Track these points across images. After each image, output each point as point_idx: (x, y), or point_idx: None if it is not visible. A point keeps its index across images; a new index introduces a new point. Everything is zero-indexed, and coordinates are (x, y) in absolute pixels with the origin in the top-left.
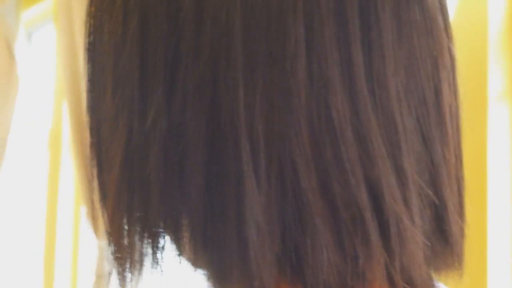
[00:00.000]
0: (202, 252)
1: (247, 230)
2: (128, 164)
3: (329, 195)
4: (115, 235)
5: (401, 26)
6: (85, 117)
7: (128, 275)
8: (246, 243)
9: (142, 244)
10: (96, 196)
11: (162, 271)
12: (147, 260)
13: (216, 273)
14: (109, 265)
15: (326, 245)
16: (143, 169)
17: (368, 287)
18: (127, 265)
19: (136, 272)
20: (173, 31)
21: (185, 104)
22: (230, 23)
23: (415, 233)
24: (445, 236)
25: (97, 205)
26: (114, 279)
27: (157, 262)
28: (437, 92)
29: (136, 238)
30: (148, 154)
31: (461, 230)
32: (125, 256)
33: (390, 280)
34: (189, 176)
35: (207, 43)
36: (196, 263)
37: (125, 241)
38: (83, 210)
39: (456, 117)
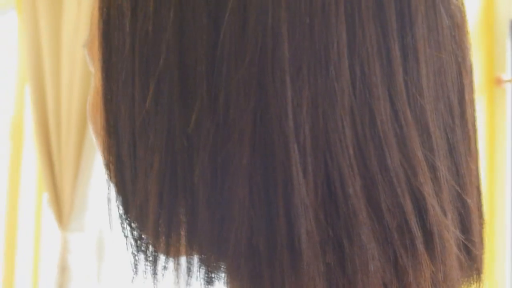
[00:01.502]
0: (242, 263)
1: (299, 237)
2: (169, 167)
3: (374, 203)
4: (156, 242)
5: (431, 31)
6: (49, 103)
7: (158, 276)
8: (298, 253)
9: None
10: (59, 183)
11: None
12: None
13: (257, 283)
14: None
15: (372, 255)
16: (188, 172)
17: None
18: (151, 265)
19: (156, 271)
20: (213, 27)
21: (229, 104)
22: (276, 25)
23: (451, 241)
24: (469, 247)
25: (65, 195)
26: (77, 272)
27: (190, 274)
28: (461, 100)
29: (178, 244)
30: (193, 156)
31: (482, 241)
32: (158, 265)
33: None
34: (234, 181)
35: (252, 41)
36: (233, 283)
37: (164, 245)
38: (46, 197)
39: (475, 126)
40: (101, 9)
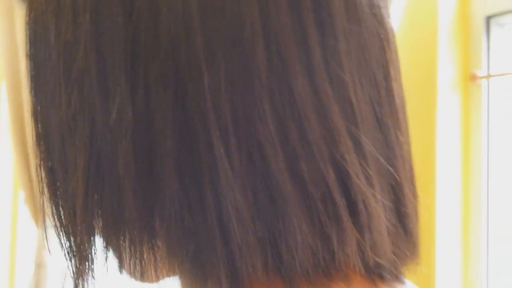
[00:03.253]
0: (178, 248)
1: (227, 215)
2: (94, 163)
3: (298, 176)
4: (83, 242)
5: (348, 7)
6: (24, 101)
7: (88, 278)
8: (228, 228)
9: (110, 245)
10: (36, 183)
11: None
12: (112, 263)
13: (198, 270)
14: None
15: (299, 226)
16: (112, 166)
17: (342, 268)
18: (88, 269)
19: (93, 275)
20: (128, 23)
21: (149, 95)
22: (187, 9)
23: (379, 210)
24: (403, 219)
25: (40, 196)
26: (53, 269)
27: (121, 266)
28: (386, 75)
29: (107, 239)
30: (116, 149)
31: (416, 215)
32: (90, 264)
33: (362, 259)
34: (160, 167)
35: (165, 31)
36: (170, 269)
37: (92, 247)
38: (22, 195)
39: (403, 101)
40: (28, 28)
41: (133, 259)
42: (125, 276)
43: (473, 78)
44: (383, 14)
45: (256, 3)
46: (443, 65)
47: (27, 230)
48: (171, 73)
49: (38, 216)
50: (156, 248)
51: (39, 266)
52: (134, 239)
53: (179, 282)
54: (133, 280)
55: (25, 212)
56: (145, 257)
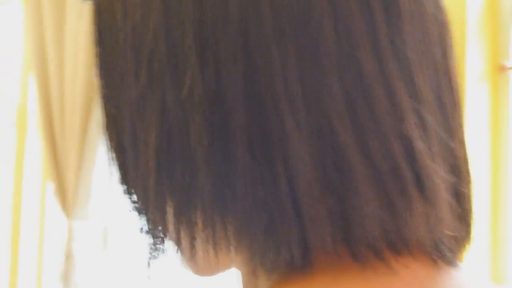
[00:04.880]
0: (250, 220)
1: (299, 187)
2: (165, 139)
3: (366, 149)
4: (157, 219)
5: None
6: (52, 92)
7: (162, 252)
8: (300, 199)
9: (185, 220)
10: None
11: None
12: (186, 240)
13: (270, 242)
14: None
15: (368, 198)
16: (184, 140)
17: (409, 243)
18: (160, 246)
19: (165, 252)
20: (198, 3)
21: (219, 71)
22: None
23: (443, 185)
24: (460, 199)
25: (69, 183)
26: (82, 259)
27: (194, 241)
28: (445, 59)
29: (179, 219)
30: (189, 123)
31: (472, 196)
32: (164, 233)
33: (429, 234)
34: (233, 141)
35: (235, 8)
36: (232, 253)
37: (168, 223)
38: (51, 187)
39: (458, 86)
40: (94, 15)
41: (205, 240)
42: (183, 269)
43: (502, 68)
44: (439, 2)
45: None
46: (471, 56)
47: (56, 221)
48: (241, 49)
49: (67, 207)
50: (227, 225)
51: (68, 257)
52: (207, 215)
53: (239, 272)
54: (189, 272)
55: (54, 203)
56: (217, 235)
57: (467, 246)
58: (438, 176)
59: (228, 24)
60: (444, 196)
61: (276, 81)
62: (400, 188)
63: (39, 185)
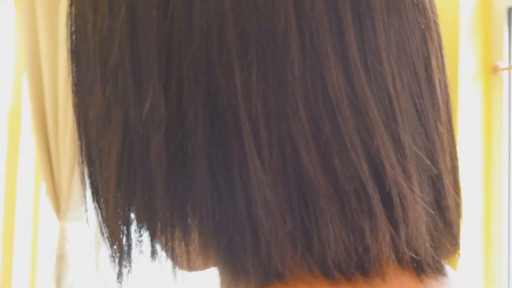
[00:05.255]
0: (210, 241)
1: (256, 209)
2: (126, 156)
3: (331, 170)
4: (115, 231)
5: None
6: (45, 94)
7: (125, 271)
8: (257, 221)
9: (141, 239)
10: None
11: (160, 266)
12: (146, 256)
13: (228, 262)
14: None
15: (331, 220)
16: (144, 159)
17: (376, 261)
18: (125, 261)
19: (130, 267)
20: (163, 17)
21: (181, 89)
22: (220, 3)
23: (416, 204)
24: (443, 212)
25: (62, 184)
26: (74, 260)
27: (155, 257)
28: (427, 67)
29: (137, 232)
30: (149, 143)
31: (458, 207)
32: (124, 253)
33: (397, 253)
34: (192, 160)
35: (199, 26)
36: (204, 261)
37: (124, 236)
38: (43, 187)
39: (445, 92)
40: (68, 21)
41: (165, 250)
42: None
43: (495, 69)
44: (425, 3)
45: None
46: (464, 56)
47: (49, 222)
48: (204, 67)
49: (60, 208)
50: (188, 240)
51: (61, 258)
52: (166, 232)
53: (217, 273)
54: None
55: (47, 204)
56: (177, 248)
57: (455, 256)
58: (412, 193)
59: (192, 41)
60: (417, 213)
61: (238, 101)
62: (366, 208)
63: (32, 186)
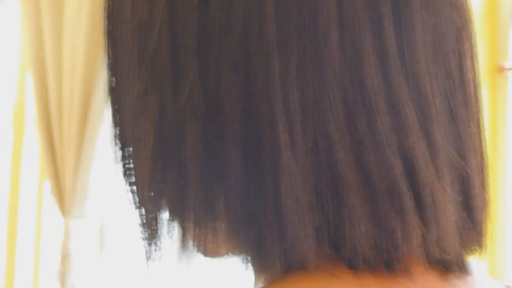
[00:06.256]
0: (239, 231)
1: (286, 203)
2: (161, 143)
3: (364, 167)
4: (148, 216)
5: None
6: (50, 91)
7: (156, 255)
8: (285, 215)
9: (172, 224)
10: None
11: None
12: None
13: (255, 251)
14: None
15: (362, 218)
16: (179, 146)
17: (405, 260)
18: (156, 246)
19: (160, 251)
20: (203, 6)
21: (219, 79)
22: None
23: (449, 203)
24: (471, 212)
25: (66, 182)
26: (78, 259)
27: (185, 243)
28: (461, 65)
29: (169, 218)
30: (185, 131)
31: (485, 208)
32: (156, 238)
33: (427, 253)
34: (226, 151)
35: (239, 17)
36: (230, 248)
37: (155, 221)
38: (48, 185)
39: (477, 92)
40: (106, 5)
41: (196, 239)
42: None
43: (500, 69)
44: (461, 2)
45: None
46: None
47: (53, 220)
48: (242, 58)
49: (64, 205)
50: (218, 230)
51: (65, 256)
52: (197, 221)
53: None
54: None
55: (51, 202)
56: (207, 238)
57: (481, 254)
58: (444, 193)
59: (232, 32)
60: (448, 213)
61: (275, 93)
62: (398, 207)
63: (36, 184)
